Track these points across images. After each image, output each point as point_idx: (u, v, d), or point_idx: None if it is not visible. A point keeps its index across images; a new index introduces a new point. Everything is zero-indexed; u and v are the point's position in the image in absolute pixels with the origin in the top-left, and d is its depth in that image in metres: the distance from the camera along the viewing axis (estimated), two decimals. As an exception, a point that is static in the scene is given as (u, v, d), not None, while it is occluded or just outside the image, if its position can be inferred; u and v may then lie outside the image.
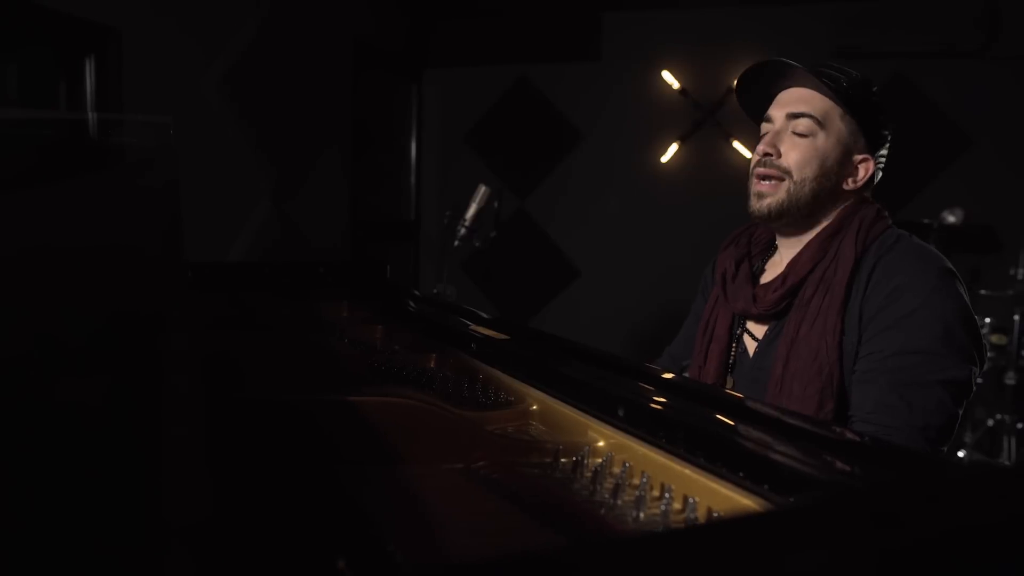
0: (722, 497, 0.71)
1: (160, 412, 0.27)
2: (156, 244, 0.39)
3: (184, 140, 3.24)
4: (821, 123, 1.33)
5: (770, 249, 1.50)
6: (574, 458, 0.84)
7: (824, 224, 1.37)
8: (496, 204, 3.03)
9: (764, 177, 1.36)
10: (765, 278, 1.46)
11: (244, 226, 3.71)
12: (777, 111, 1.38)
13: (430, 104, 5.41)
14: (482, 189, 2.99)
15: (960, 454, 3.67)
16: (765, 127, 1.39)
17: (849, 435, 0.85)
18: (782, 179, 1.34)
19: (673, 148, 4.86)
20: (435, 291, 3.06)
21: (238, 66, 3.57)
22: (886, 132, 1.38)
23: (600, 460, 0.83)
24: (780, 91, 1.39)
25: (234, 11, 3.57)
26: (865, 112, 1.34)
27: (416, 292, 1.95)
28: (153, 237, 0.40)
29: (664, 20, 4.86)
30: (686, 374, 1.55)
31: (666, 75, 4.80)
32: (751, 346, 1.42)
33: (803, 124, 1.33)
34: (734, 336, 1.44)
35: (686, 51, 4.81)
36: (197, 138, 3.34)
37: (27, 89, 2.86)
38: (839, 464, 0.73)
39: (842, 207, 1.37)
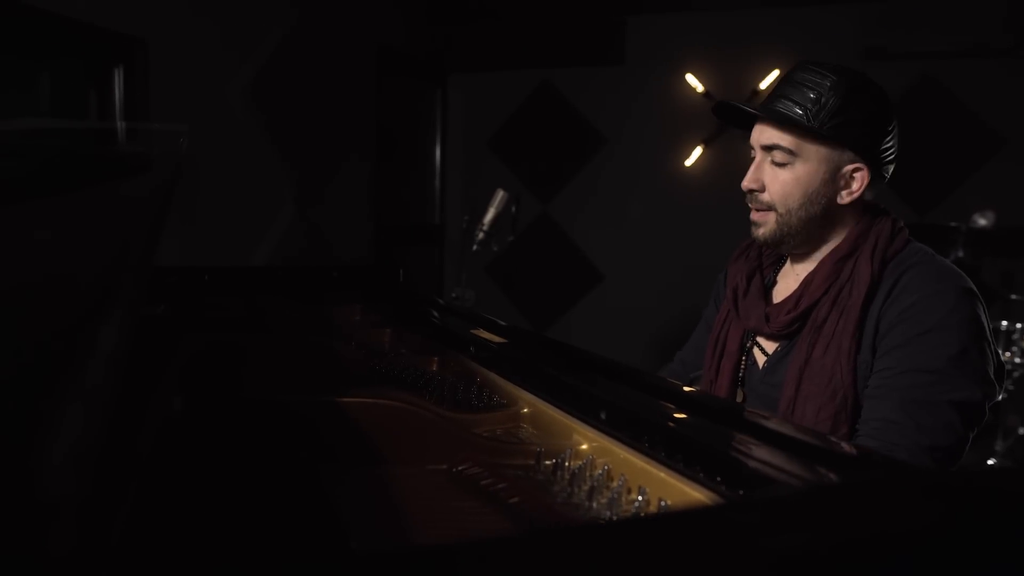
0: (693, 500, 0.71)
1: (55, 404, 0.29)
2: (103, 253, 0.41)
3: (209, 147, 3.32)
4: (795, 152, 1.28)
5: (781, 260, 1.48)
6: (554, 460, 0.84)
7: (835, 240, 1.34)
8: (514, 208, 3.04)
9: (754, 210, 1.35)
10: (777, 291, 1.45)
11: (268, 231, 3.78)
12: (755, 140, 1.34)
13: (454, 109, 5.45)
14: (500, 194, 3.01)
15: (990, 463, 3.59)
16: (752, 153, 1.36)
17: (834, 444, 0.84)
18: (768, 211, 1.32)
19: (697, 151, 4.83)
20: (453, 295, 3.09)
21: (263, 74, 3.64)
22: (880, 128, 1.29)
23: (581, 463, 0.84)
24: (755, 119, 1.36)
25: (259, 20, 3.64)
26: (844, 124, 1.26)
27: (429, 296, 1.97)
28: (102, 247, 0.42)
29: (688, 23, 4.84)
30: (696, 387, 1.55)
31: (690, 78, 4.77)
32: (761, 360, 1.41)
33: (778, 155, 1.30)
34: (744, 349, 1.44)
35: (710, 53, 4.78)
36: (222, 144, 3.41)
37: (59, 99, 2.94)
38: (818, 471, 0.73)
39: (853, 222, 1.34)
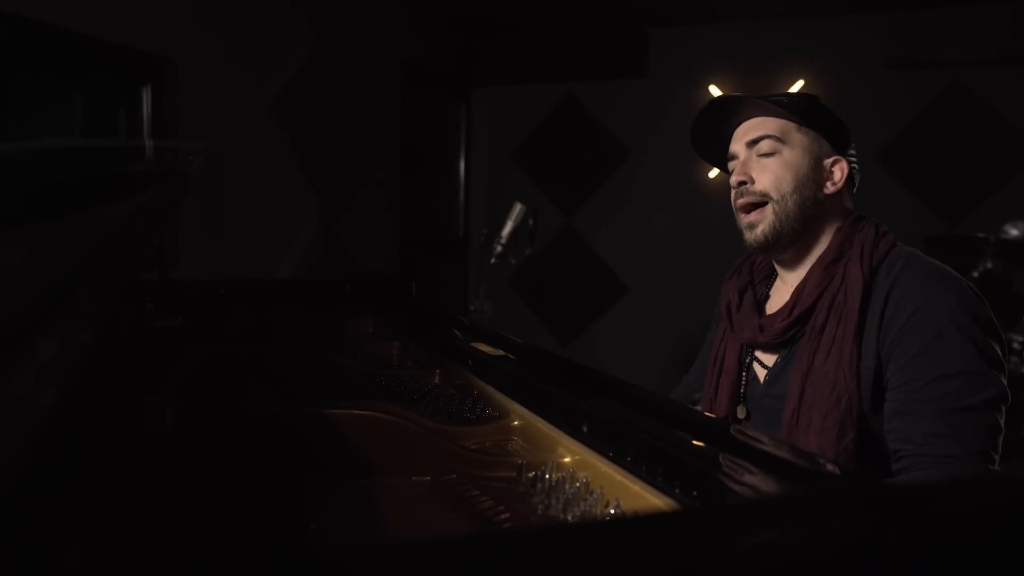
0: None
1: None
2: (56, 272, 0.43)
3: (236, 162, 3.40)
4: (781, 139, 1.35)
5: (772, 275, 1.50)
6: (534, 473, 0.85)
7: (822, 246, 1.36)
8: (531, 222, 3.06)
9: (747, 207, 1.37)
10: (771, 304, 1.46)
11: (293, 245, 3.84)
12: (737, 145, 1.41)
13: (478, 123, 5.49)
14: (517, 207, 3.03)
15: None
16: (732, 164, 1.42)
17: (819, 464, 0.84)
18: (764, 203, 1.35)
19: (721, 163, 4.81)
20: (472, 308, 3.11)
21: (289, 90, 3.72)
22: (845, 133, 1.39)
23: (560, 475, 0.84)
24: (733, 130, 1.43)
25: (284, 38, 3.72)
26: (818, 118, 1.36)
27: (440, 309, 1.99)
28: (58, 267, 0.44)
29: (711, 35, 4.83)
30: (698, 407, 1.55)
31: (713, 89, 4.76)
32: (761, 374, 1.41)
33: (765, 145, 1.36)
34: (743, 365, 1.44)
35: (733, 65, 4.77)
36: (248, 160, 3.48)
37: (90, 117, 3.04)
38: (800, 488, 0.73)
39: (836, 227, 1.36)
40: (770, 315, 1.38)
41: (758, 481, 0.71)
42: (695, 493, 0.75)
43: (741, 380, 1.43)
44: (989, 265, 3.56)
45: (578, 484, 0.81)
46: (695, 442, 0.86)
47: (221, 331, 1.63)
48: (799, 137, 1.35)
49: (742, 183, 1.37)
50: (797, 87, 4.55)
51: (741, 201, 1.38)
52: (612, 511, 0.75)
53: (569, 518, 0.76)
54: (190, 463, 0.78)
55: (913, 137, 4.41)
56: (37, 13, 2.58)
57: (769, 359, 1.40)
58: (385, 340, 1.68)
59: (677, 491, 0.75)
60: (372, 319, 1.91)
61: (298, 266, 3.82)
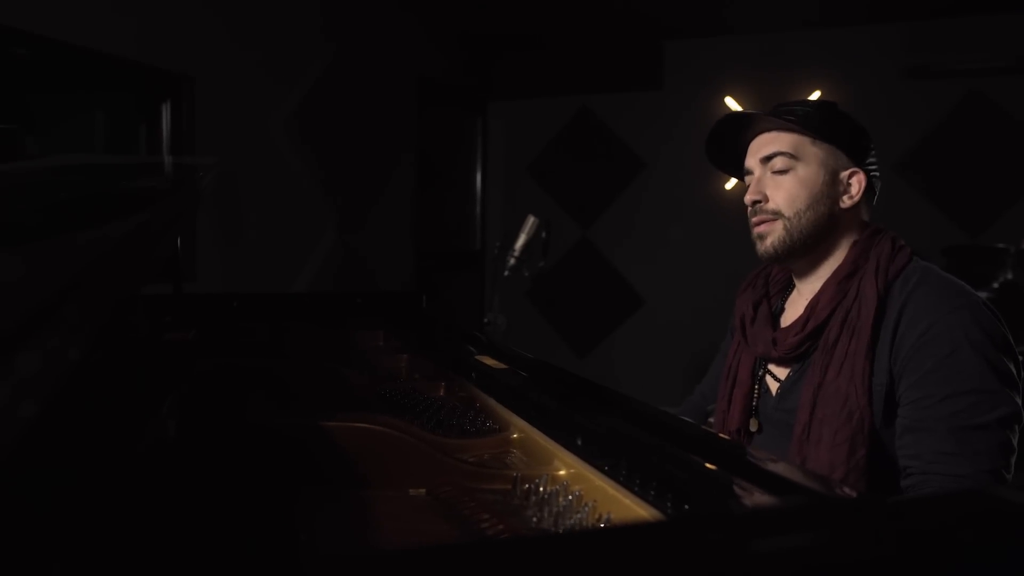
0: (653, 527, 0.72)
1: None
2: (43, 290, 0.45)
3: (253, 177, 3.45)
4: (795, 156, 1.33)
5: (788, 288, 1.48)
6: (527, 486, 0.86)
7: (837, 259, 1.35)
8: (544, 234, 3.07)
9: (759, 223, 1.36)
10: (785, 317, 1.44)
11: (310, 258, 3.88)
12: (752, 160, 1.39)
13: (494, 136, 5.52)
14: (531, 220, 3.04)
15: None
16: (748, 179, 1.41)
17: (812, 480, 0.83)
18: (776, 219, 1.34)
19: (737, 174, 4.80)
20: (485, 321, 3.12)
21: (305, 105, 3.77)
22: (864, 142, 1.37)
23: (554, 488, 0.85)
24: (748, 144, 1.41)
25: (300, 54, 3.77)
26: (834, 130, 1.34)
27: (449, 322, 2.00)
28: (44, 286, 0.46)
29: (726, 46, 4.83)
30: (711, 419, 1.55)
31: (729, 101, 4.76)
32: (773, 387, 1.40)
33: (778, 162, 1.34)
34: (757, 378, 1.43)
35: (749, 76, 4.76)
36: (266, 174, 3.53)
37: (111, 132, 3.11)
38: (778, 498, 0.73)
39: (852, 240, 1.35)
40: (784, 329, 1.37)
41: (749, 496, 0.71)
42: (686, 507, 0.75)
43: (754, 393, 1.42)
44: (1010, 276, 3.51)
45: (571, 497, 0.82)
46: (689, 457, 0.85)
47: (231, 344, 1.66)
48: (814, 151, 1.33)
49: (756, 202, 1.36)
50: (814, 98, 4.53)
51: (755, 219, 1.37)
52: (602, 524, 0.75)
53: (560, 531, 0.77)
54: (187, 475, 0.79)
55: (932, 147, 4.37)
56: (61, 33, 2.64)
57: (782, 373, 1.39)
58: (394, 353, 1.69)
59: (668, 505, 0.76)
60: (382, 332, 1.92)
61: (315, 279, 3.85)
